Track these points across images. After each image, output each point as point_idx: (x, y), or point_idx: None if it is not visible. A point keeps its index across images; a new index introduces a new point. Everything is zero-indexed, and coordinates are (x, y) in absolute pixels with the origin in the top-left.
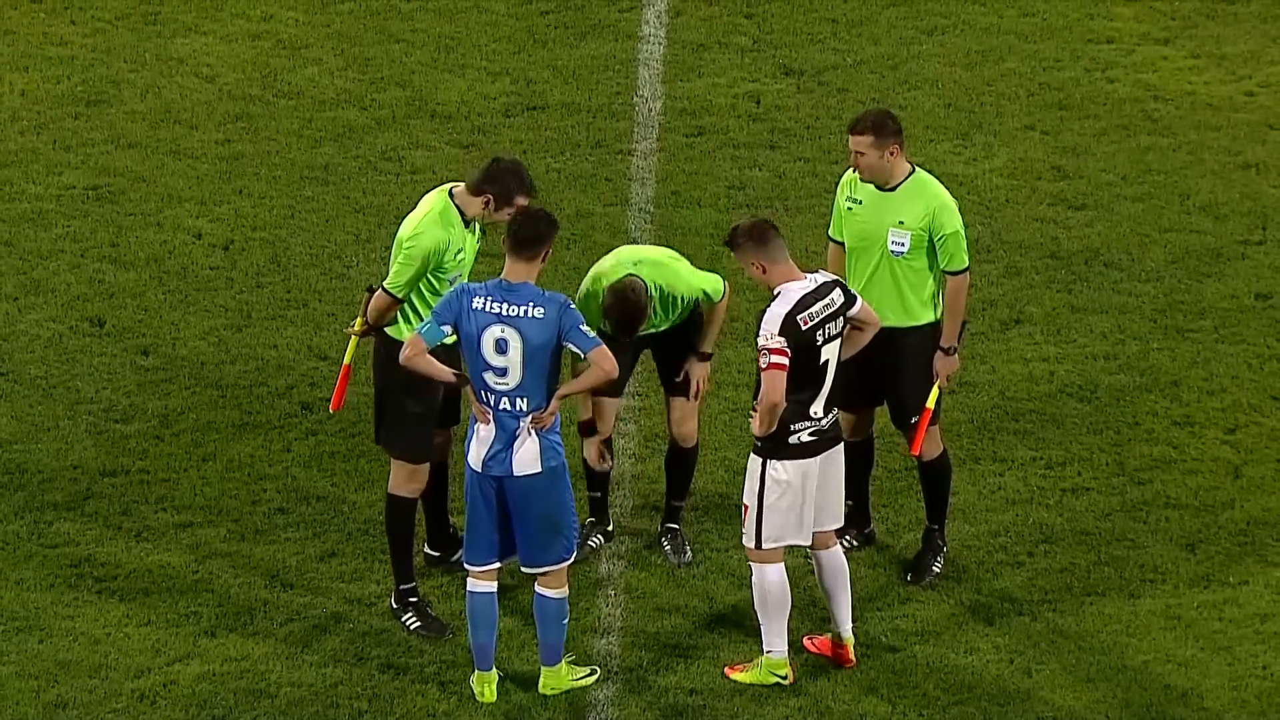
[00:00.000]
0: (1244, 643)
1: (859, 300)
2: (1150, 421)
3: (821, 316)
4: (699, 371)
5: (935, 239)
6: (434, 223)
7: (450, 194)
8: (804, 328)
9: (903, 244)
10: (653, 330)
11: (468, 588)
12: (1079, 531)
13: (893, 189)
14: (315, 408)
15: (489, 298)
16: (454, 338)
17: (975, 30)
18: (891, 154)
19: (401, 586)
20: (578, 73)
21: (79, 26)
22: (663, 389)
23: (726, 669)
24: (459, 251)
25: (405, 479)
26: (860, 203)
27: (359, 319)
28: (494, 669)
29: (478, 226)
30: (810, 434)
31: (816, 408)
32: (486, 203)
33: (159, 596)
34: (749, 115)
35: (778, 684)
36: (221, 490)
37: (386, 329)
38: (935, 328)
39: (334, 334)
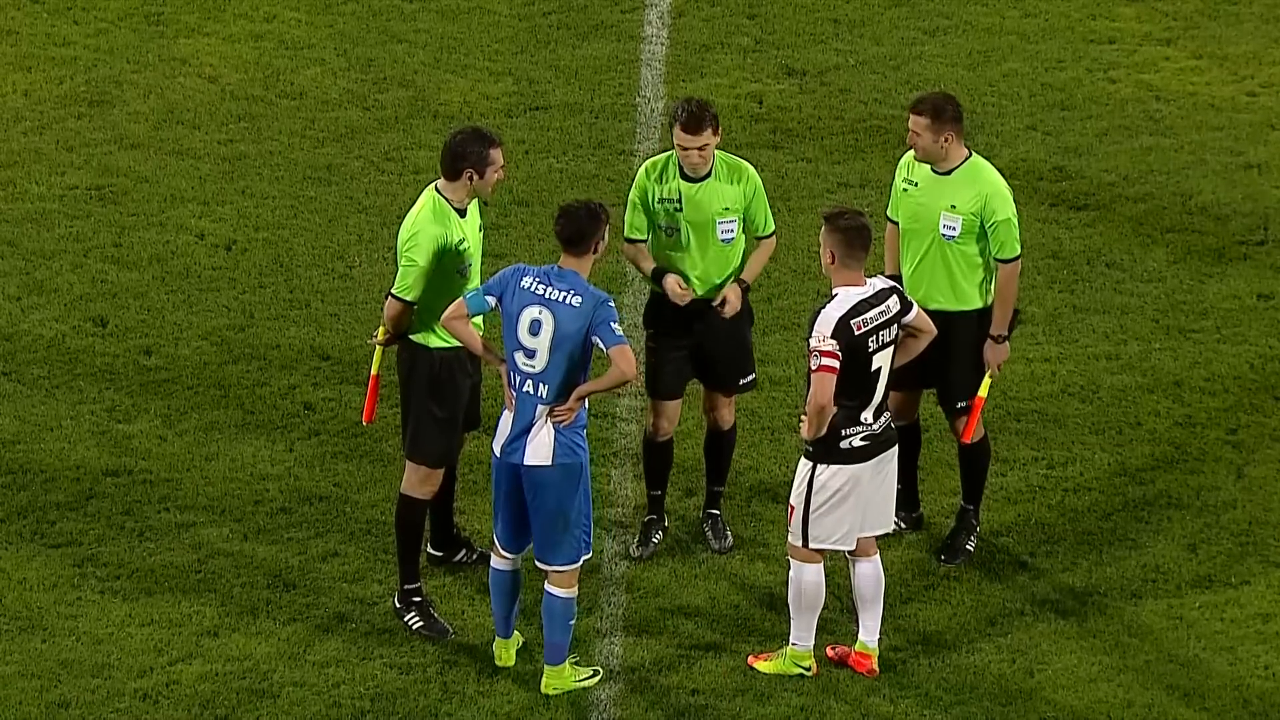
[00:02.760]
0: (1246, 643)
1: (915, 307)
2: (1152, 422)
3: (876, 323)
4: (733, 294)
5: (987, 225)
6: (427, 221)
7: (436, 189)
8: (856, 332)
9: (954, 228)
10: (717, 206)
11: (490, 562)
12: (1081, 532)
13: (948, 173)
14: (318, 408)
15: (537, 279)
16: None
17: (977, 30)
18: (947, 140)
19: (406, 586)
20: (580, 73)
21: (82, 27)
22: (703, 385)
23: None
24: (460, 241)
25: (420, 481)
26: (916, 185)
27: (381, 329)
28: (514, 634)
29: (475, 212)
30: (862, 439)
31: (868, 414)
32: (470, 178)
33: (161, 596)
34: (751, 115)
35: (800, 675)
36: (224, 490)
37: (410, 336)
38: (985, 314)
39: (337, 334)
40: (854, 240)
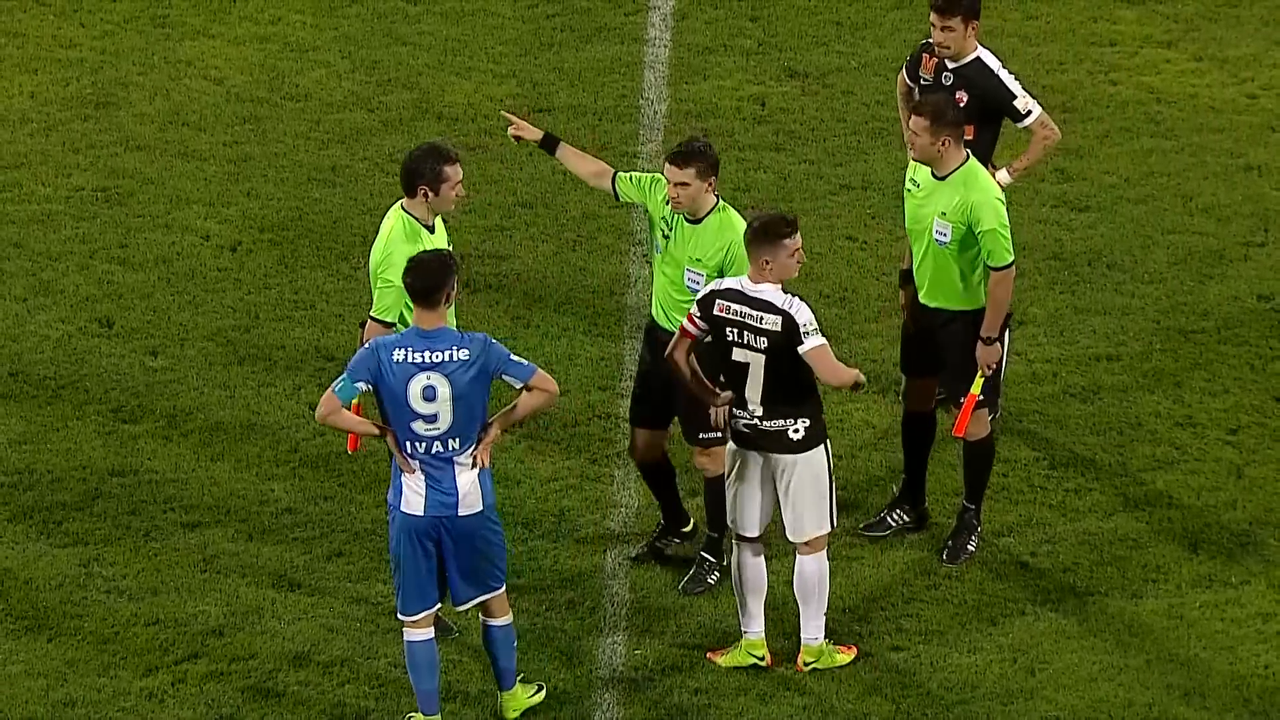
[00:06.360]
0: (1246, 642)
1: (807, 346)
2: (1153, 422)
3: (740, 320)
4: (721, 411)
5: (975, 233)
6: (399, 240)
7: (403, 207)
8: (716, 312)
9: (945, 234)
10: (671, 249)
11: (406, 639)
12: (1081, 531)
13: (944, 178)
14: None
15: (409, 348)
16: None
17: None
18: (944, 144)
19: None
20: (583, 75)
21: (88, 29)
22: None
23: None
24: None
25: None
26: (918, 186)
27: None
28: (439, 714)
29: (442, 228)
30: (744, 425)
31: (745, 405)
32: (425, 195)
33: (167, 596)
34: (754, 118)
35: (755, 665)
36: (229, 490)
37: None
38: (981, 315)
39: (341, 335)
40: (747, 239)
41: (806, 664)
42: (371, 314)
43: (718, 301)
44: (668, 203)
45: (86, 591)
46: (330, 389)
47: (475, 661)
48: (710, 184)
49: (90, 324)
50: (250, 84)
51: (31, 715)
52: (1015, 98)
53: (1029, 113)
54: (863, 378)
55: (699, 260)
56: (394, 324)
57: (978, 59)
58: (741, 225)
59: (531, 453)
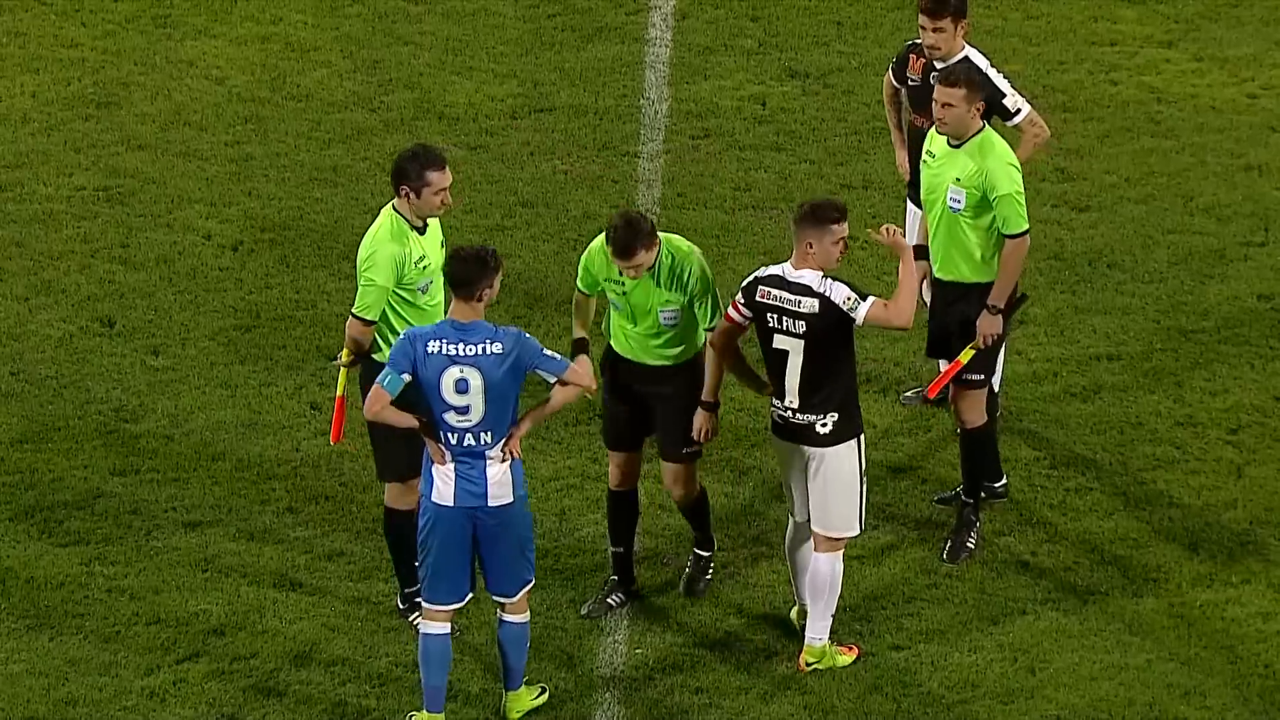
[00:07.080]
0: (1246, 641)
1: (860, 312)
2: (1153, 421)
3: (780, 305)
4: (705, 422)
5: (990, 199)
6: (385, 239)
7: (394, 207)
8: (758, 299)
9: (959, 200)
10: (641, 306)
11: (422, 629)
12: (1081, 531)
13: (960, 145)
14: (323, 408)
15: (443, 340)
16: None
17: (979, 33)
18: (978, 108)
19: (406, 590)
20: (584, 75)
21: (89, 29)
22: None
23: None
24: (420, 259)
25: (400, 494)
26: (935, 156)
27: (344, 350)
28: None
29: (437, 228)
30: (778, 416)
31: (781, 397)
32: (407, 196)
33: (168, 595)
34: (755, 117)
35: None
36: (230, 490)
37: (373, 355)
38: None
39: (343, 335)
40: (794, 220)
41: (808, 664)
42: (353, 310)
43: (760, 288)
44: (620, 271)
45: (88, 590)
46: (376, 384)
47: (476, 660)
48: (657, 245)
49: (92, 323)
50: (252, 84)
51: (33, 714)
52: (1004, 96)
53: (1018, 111)
54: (912, 266)
55: (669, 301)
56: (374, 322)
57: (966, 59)
58: (688, 245)
59: (533, 452)
